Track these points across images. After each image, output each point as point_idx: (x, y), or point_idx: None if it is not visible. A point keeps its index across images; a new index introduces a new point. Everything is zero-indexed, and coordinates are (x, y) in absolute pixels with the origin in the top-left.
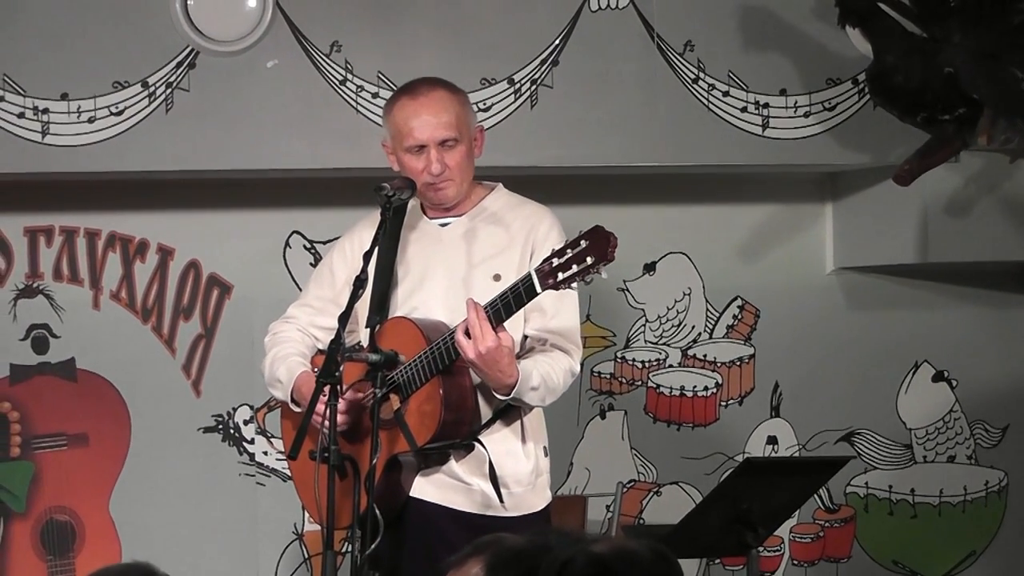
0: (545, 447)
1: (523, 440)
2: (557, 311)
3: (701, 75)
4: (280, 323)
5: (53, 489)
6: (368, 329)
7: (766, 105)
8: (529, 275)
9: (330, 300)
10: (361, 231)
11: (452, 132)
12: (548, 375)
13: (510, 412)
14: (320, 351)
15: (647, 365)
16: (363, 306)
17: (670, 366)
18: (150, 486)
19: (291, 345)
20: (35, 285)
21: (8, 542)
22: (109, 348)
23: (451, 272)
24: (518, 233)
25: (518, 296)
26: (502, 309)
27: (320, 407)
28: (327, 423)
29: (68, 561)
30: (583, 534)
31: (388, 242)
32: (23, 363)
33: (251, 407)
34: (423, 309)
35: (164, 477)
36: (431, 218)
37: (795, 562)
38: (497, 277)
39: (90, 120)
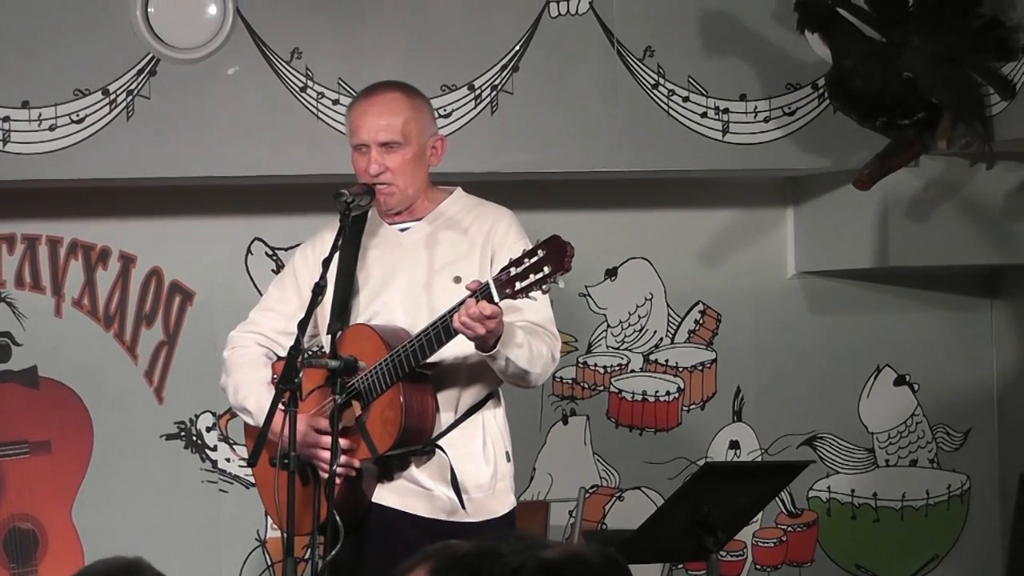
0: (507, 452)
1: (484, 444)
2: (529, 305)
3: (661, 80)
4: (240, 334)
5: (15, 497)
6: (329, 336)
7: (726, 110)
8: (487, 284)
9: (294, 305)
10: (324, 236)
11: (394, 135)
12: (531, 340)
13: (471, 417)
14: (280, 358)
15: (609, 370)
16: (324, 312)
17: (632, 371)
18: (113, 493)
19: (254, 369)
20: None
21: None
22: (71, 355)
23: (411, 277)
24: (477, 235)
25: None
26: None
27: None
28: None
29: (31, 569)
30: (535, 540)
31: (349, 248)
32: None
33: (214, 414)
34: (384, 314)
35: (127, 484)
36: (391, 223)
37: (758, 567)
38: (458, 279)
39: (51, 128)
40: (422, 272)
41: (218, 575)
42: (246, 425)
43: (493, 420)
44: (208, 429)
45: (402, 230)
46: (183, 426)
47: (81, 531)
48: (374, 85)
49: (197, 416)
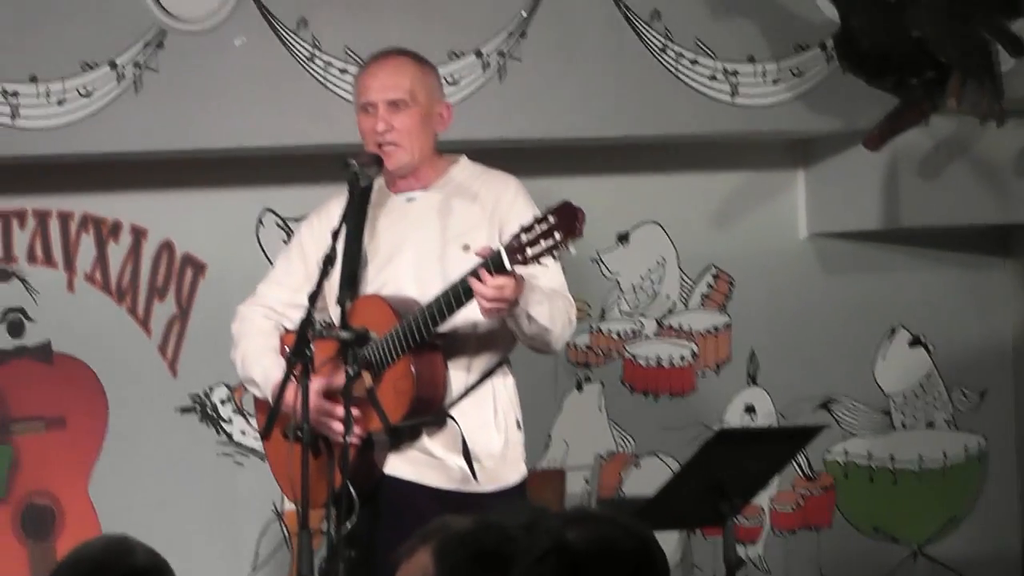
0: (518, 420)
1: (495, 413)
2: (543, 272)
3: (669, 44)
4: (248, 307)
5: (32, 473)
6: (338, 306)
7: (734, 73)
8: (498, 251)
9: (300, 277)
10: (330, 207)
11: (402, 94)
12: (551, 298)
13: (481, 386)
14: (288, 330)
15: (623, 336)
16: (332, 284)
17: (646, 336)
18: (129, 467)
19: (260, 340)
20: (9, 269)
21: None
22: (85, 330)
23: (420, 246)
24: (485, 203)
25: (488, 272)
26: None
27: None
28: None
29: (49, 544)
30: (542, 511)
31: (356, 219)
32: None
33: (228, 387)
34: (393, 284)
35: (143, 458)
36: (397, 193)
37: (776, 531)
38: (466, 248)
39: (59, 102)
40: (431, 241)
41: (235, 548)
42: (255, 397)
43: (503, 389)
44: (223, 402)
45: (409, 199)
46: (198, 399)
47: (98, 506)
48: (383, 50)
49: (212, 389)
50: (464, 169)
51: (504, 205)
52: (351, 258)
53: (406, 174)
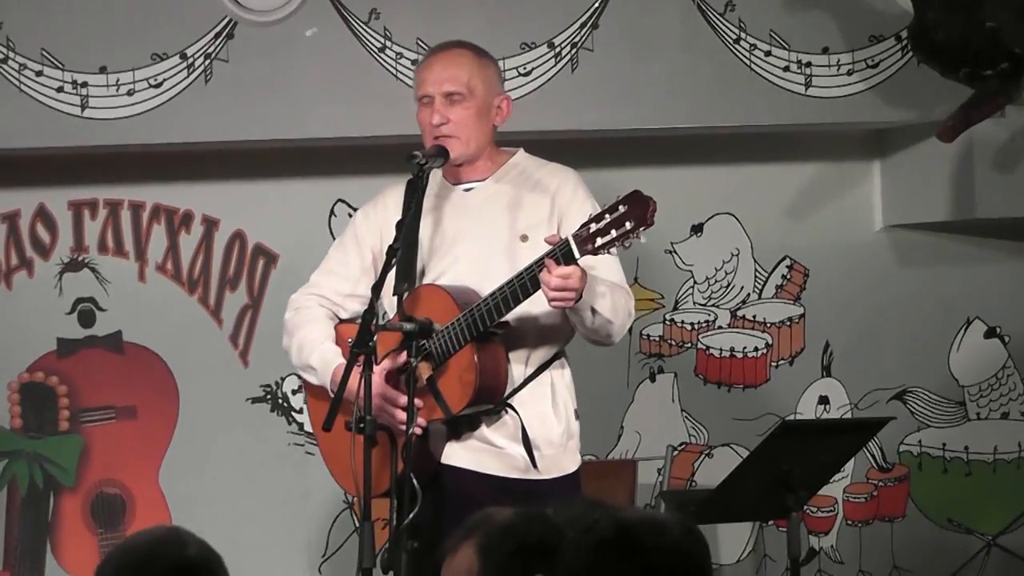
0: (576, 410)
1: (554, 403)
2: (601, 264)
3: (743, 35)
4: (302, 296)
5: (102, 462)
6: (395, 297)
7: (808, 64)
8: (567, 240)
9: (355, 267)
10: (386, 198)
11: (458, 87)
12: (612, 290)
13: (540, 376)
14: (342, 320)
15: (696, 327)
16: (387, 275)
17: (719, 327)
18: (199, 457)
19: (318, 327)
20: (80, 259)
21: (59, 516)
22: (155, 320)
23: (478, 236)
24: (544, 194)
25: (555, 261)
26: (538, 274)
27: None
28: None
29: (119, 534)
30: (588, 503)
31: (410, 211)
32: (70, 337)
33: (299, 376)
34: (451, 274)
35: (213, 448)
36: (454, 184)
37: (849, 522)
38: (524, 238)
39: (129, 93)
40: (489, 232)
41: (305, 538)
42: (308, 386)
43: (562, 379)
44: (294, 392)
45: (467, 190)
46: (269, 389)
47: (168, 496)
48: (442, 43)
49: (283, 379)
50: (521, 161)
51: (565, 197)
52: (408, 249)
53: (462, 165)
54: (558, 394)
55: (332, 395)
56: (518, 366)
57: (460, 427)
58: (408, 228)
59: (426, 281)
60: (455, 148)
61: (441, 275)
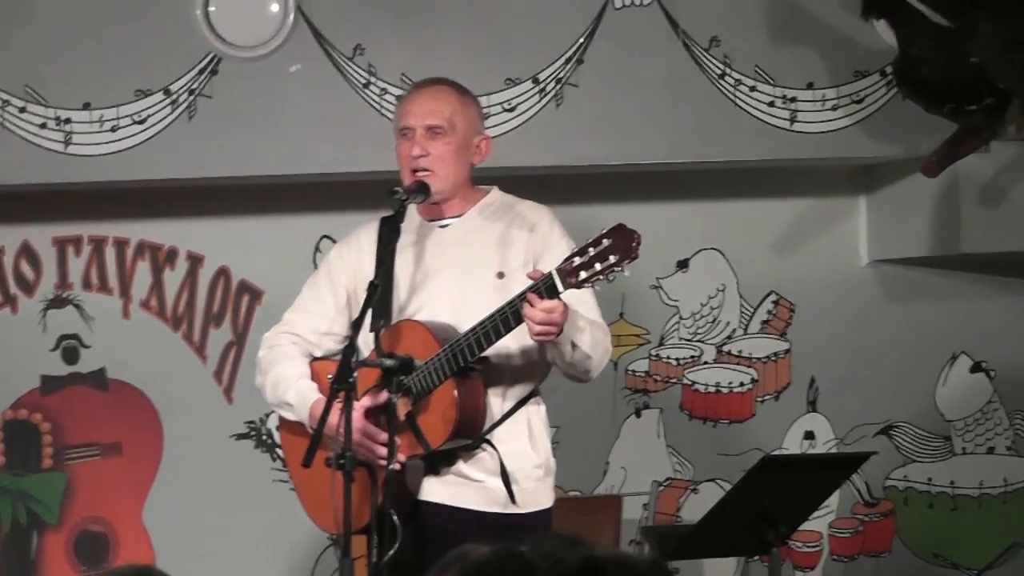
0: (551, 446)
1: (531, 438)
2: (581, 302)
3: (727, 70)
4: (276, 335)
5: (86, 499)
6: (372, 333)
7: (793, 99)
8: (550, 274)
9: (328, 304)
10: (359, 236)
11: (440, 121)
12: (591, 325)
13: (518, 412)
14: (317, 358)
15: (682, 362)
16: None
17: (705, 363)
18: (184, 494)
19: (293, 364)
20: (64, 295)
21: (42, 553)
22: (140, 357)
23: (454, 273)
24: (519, 230)
25: (538, 295)
26: (521, 308)
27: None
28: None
29: (102, 571)
30: (563, 538)
31: (388, 246)
32: (54, 374)
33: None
34: (427, 311)
35: (197, 485)
36: (430, 220)
37: (834, 557)
38: (501, 275)
39: (113, 129)
40: (465, 268)
41: (289, 575)
42: (283, 423)
43: (538, 415)
44: (278, 428)
45: (443, 227)
46: (253, 425)
47: (152, 533)
48: (426, 79)
49: (267, 415)
50: (496, 199)
51: (540, 234)
52: (384, 285)
53: (439, 202)
54: (535, 429)
55: (311, 431)
56: (496, 401)
57: (437, 462)
58: (385, 265)
59: (404, 317)
60: (433, 183)
61: (417, 311)
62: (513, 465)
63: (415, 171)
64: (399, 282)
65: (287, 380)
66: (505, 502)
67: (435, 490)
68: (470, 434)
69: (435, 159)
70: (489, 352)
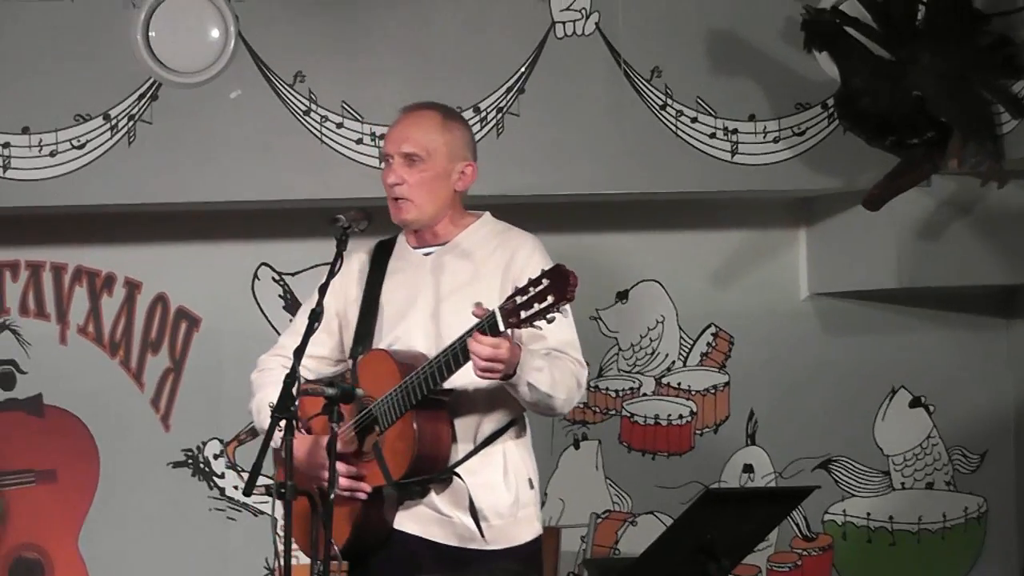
0: (531, 479)
1: (504, 472)
2: (551, 332)
3: (669, 101)
4: (269, 357)
5: (21, 526)
6: (351, 360)
7: (735, 131)
8: (493, 313)
9: (323, 329)
10: (349, 260)
11: (416, 148)
12: (552, 365)
13: (491, 444)
14: (308, 380)
15: (621, 394)
16: (350, 337)
17: (644, 395)
18: (120, 522)
19: (275, 391)
20: (1, 320)
21: None
22: (77, 383)
23: (431, 302)
24: (499, 261)
25: (483, 333)
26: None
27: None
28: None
29: None
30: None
31: (375, 273)
32: None
33: (221, 441)
34: (405, 339)
35: (134, 512)
36: (416, 247)
37: None
38: (479, 305)
39: (52, 154)
40: (444, 297)
41: None
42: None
43: (515, 448)
44: (216, 456)
45: (426, 255)
46: (190, 453)
47: (88, 560)
48: (415, 103)
49: (204, 443)
50: (484, 226)
51: (518, 264)
52: (367, 312)
53: (421, 229)
54: (510, 463)
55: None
56: (468, 433)
57: (411, 494)
58: (368, 292)
59: (382, 345)
60: (409, 211)
61: (397, 340)
62: (483, 500)
63: (395, 199)
64: (383, 309)
65: (268, 406)
66: (472, 537)
67: (406, 522)
68: (432, 467)
69: (411, 187)
70: (460, 384)
